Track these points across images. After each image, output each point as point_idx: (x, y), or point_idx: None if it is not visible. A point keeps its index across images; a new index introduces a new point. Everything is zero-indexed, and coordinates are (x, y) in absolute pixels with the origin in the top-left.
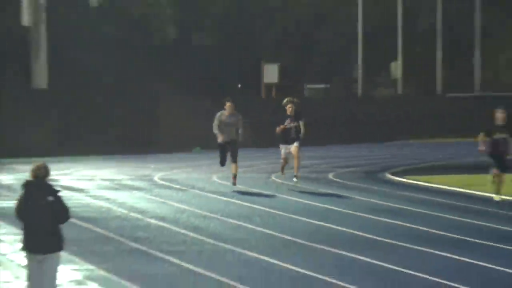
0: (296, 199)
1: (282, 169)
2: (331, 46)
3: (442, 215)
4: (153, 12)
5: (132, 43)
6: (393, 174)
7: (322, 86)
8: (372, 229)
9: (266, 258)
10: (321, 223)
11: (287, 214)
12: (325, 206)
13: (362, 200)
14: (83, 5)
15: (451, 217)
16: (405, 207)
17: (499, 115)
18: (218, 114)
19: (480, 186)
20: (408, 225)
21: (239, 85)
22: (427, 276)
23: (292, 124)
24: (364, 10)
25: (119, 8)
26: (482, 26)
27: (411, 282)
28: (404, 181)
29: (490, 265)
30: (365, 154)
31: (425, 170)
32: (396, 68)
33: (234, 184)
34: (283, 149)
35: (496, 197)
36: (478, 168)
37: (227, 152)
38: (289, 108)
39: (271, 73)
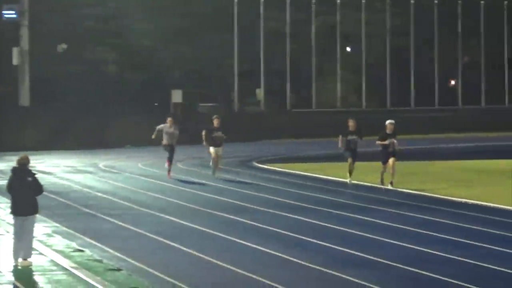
0: (195, 179)
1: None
2: (218, 77)
3: (290, 189)
4: (100, 56)
5: (88, 77)
6: (258, 162)
7: (211, 104)
8: (245, 199)
9: (178, 220)
10: (212, 195)
11: (190, 190)
12: (215, 184)
13: (238, 180)
14: (53, 50)
15: (295, 191)
16: (265, 184)
17: (350, 123)
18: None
19: (319, 171)
20: (266, 196)
21: (156, 104)
22: (279, 230)
23: (218, 134)
24: (239, 57)
25: (77, 52)
26: (316, 67)
27: (269, 233)
28: (266, 167)
29: (321, 223)
30: (241, 149)
31: (279, 160)
32: (260, 93)
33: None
34: (211, 150)
35: (348, 180)
36: (318, 159)
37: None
38: (215, 120)
39: (177, 96)
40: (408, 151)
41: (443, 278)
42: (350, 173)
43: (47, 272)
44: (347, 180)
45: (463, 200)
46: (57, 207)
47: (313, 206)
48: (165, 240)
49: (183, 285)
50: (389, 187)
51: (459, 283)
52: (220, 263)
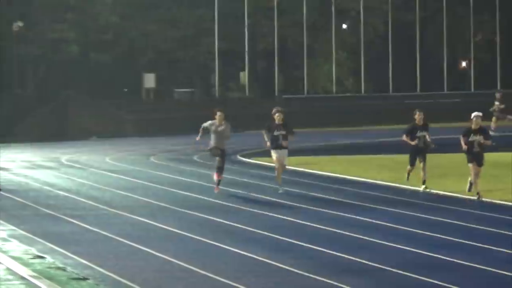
0: (169, 175)
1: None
2: (196, 60)
3: (276, 186)
4: (61, 36)
5: (47, 59)
6: (242, 156)
7: (188, 90)
8: (224, 197)
9: (146, 220)
10: (187, 193)
11: (162, 187)
12: (190, 180)
13: None
14: (7, 29)
15: (284, 187)
16: (249, 180)
17: (276, 117)
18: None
19: (313, 165)
20: (248, 193)
21: (125, 89)
22: (262, 232)
23: (280, 132)
24: (219, 35)
25: (34, 31)
26: (307, 46)
27: (250, 235)
28: (250, 161)
29: (311, 224)
30: None
31: (267, 152)
32: (244, 77)
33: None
34: (275, 156)
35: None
36: (312, 151)
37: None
38: (277, 117)
39: (149, 80)
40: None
41: (448, 285)
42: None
43: (2, 282)
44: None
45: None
46: (13, 208)
47: (302, 204)
48: (135, 244)
49: None
50: (478, 198)
51: None
52: (196, 270)
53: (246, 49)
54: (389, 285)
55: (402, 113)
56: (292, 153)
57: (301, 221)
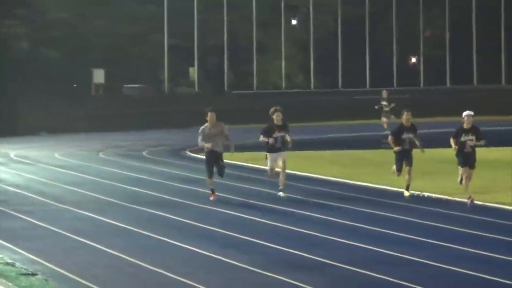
0: (118, 170)
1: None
2: (145, 55)
3: (226, 182)
4: (11, 32)
5: None
6: (191, 151)
7: (138, 85)
8: (173, 193)
9: (95, 215)
10: (135, 188)
11: (110, 182)
12: (139, 176)
13: (167, 171)
14: None
15: (233, 183)
16: (198, 177)
17: (276, 117)
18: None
19: (263, 161)
20: (197, 189)
21: (75, 85)
22: (212, 227)
23: (279, 134)
24: (169, 31)
25: None
26: (257, 42)
27: (200, 231)
28: (200, 157)
29: (262, 220)
30: (170, 137)
31: None
32: (194, 72)
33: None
34: (271, 160)
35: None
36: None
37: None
38: (276, 117)
39: (98, 76)
40: (364, 137)
41: (400, 282)
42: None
43: None
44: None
45: (424, 193)
46: None
47: (252, 200)
48: (84, 240)
49: None
50: (469, 202)
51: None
52: (146, 265)
53: (196, 45)
54: (341, 281)
55: (351, 109)
56: (244, 148)
57: (253, 217)
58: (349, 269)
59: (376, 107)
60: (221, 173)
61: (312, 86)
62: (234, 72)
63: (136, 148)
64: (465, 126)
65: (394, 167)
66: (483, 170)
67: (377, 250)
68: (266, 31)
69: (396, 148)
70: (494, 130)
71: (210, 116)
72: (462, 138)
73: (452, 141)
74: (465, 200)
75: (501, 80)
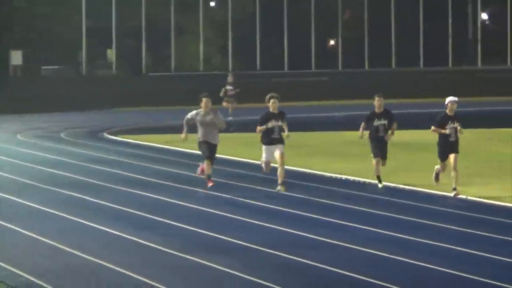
0: (35, 152)
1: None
2: (64, 37)
3: (144, 164)
4: None
5: None
6: (109, 133)
7: (56, 67)
8: (91, 175)
9: (15, 198)
10: (53, 170)
11: (28, 164)
12: (57, 157)
13: (85, 153)
14: None
15: (150, 165)
16: (117, 159)
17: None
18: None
19: (179, 143)
20: (116, 171)
21: None
22: (129, 209)
23: (276, 124)
24: (87, 13)
25: None
26: (175, 24)
27: (118, 213)
28: (118, 139)
29: (179, 202)
30: (89, 118)
31: (134, 130)
32: (112, 54)
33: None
34: (264, 152)
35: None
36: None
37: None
38: (272, 104)
39: (16, 58)
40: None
41: (317, 265)
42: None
43: None
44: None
45: (342, 175)
46: None
47: (169, 183)
48: (1, 222)
49: (22, 273)
50: (452, 194)
51: (336, 270)
52: (64, 247)
53: (114, 26)
54: (258, 263)
55: (269, 91)
56: (157, 131)
57: (169, 199)
58: (266, 251)
59: (221, 93)
60: (212, 159)
61: (230, 68)
62: (152, 54)
63: (54, 130)
64: (448, 112)
65: (372, 155)
66: (397, 152)
67: (295, 233)
68: (184, 13)
69: (361, 133)
70: (409, 113)
71: (204, 102)
72: (448, 127)
73: (435, 130)
74: (376, 183)
75: (419, 63)
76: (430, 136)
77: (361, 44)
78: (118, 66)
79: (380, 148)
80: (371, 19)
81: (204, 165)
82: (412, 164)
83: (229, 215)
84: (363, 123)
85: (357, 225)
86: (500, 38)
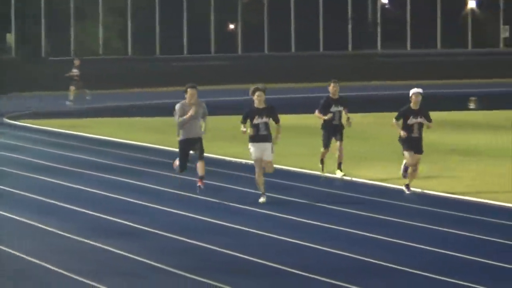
0: None
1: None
2: None
3: (45, 149)
4: None
5: None
6: (9, 118)
7: None
8: None
9: None
10: None
11: None
12: None
13: None
14: None
15: (51, 150)
16: (17, 143)
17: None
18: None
19: (81, 128)
20: (15, 155)
21: None
22: (30, 194)
23: (261, 120)
24: None
25: None
26: (75, 9)
27: (18, 198)
28: (18, 124)
29: (79, 186)
30: None
31: (34, 115)
32: (11, 38)
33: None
34: (252, 150)
35: None
36: (73, 114)
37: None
38: (257, 98)
39: None
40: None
41: (219, 249)
42: None
43: None
44: None
45: (241, 160)
46: None
47: (70, 167)
48: None
49: None
50: (407, 191)
51: (237, 254)
52: None
53: (13, 10)
54: (158, 247)
55: (169, 75)
56: (58, 115)
57: (68, 184)
58: (168, 236)
59: (67, 75)
60: (201, 155)
61: (129, 53)
62: (52, 38)
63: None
64: (412, 106)
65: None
66: (300, 138)
67: (199, 218)
68: None
69: (328, 116)
70: (308, 97)
71: (190, 93)
72: (409, 121)
73: (396, 125)
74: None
75: (319, 47)
76: (318, 120)
77: (261, 28)
78: (17, 50)
79: (336, 136)
80: (271, 3)
81: (177, 163)
82: (301, 148)
83: (132, 200)
84: (317, 111)
85: (266, 211)
86: (400, 22)
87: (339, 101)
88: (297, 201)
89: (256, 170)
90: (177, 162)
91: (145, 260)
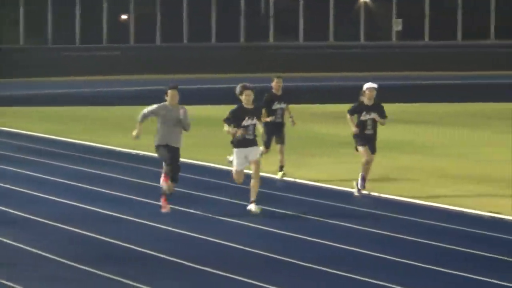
0: None
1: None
2: None
3: None
4: None
5: None
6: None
7: None
8: None
9: None
10: None
11: None
12: None
13: None
14: None
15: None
16: None
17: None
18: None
19: None
20: None
21: None
22: None
23: (251, 122)
24: None
25: None
26: None
27: None
28: None
29: None
30: None
31: None
32: None
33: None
34: (235, 158)
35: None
36: None
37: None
38: (245, 98)
39: None
40: (75, 94)
41: (106, 239)
42: None
43: None
44: None
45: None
46: None
47: None
48: None
49: None
50: (358, 192)
51: (124, 244)
52: None
53: None
54: (43, 235)
55: (60, 65)
56: None
57: None
58: (54, 224)
59: None
60: (175, 178)
61: (21, 42)
62: None
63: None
64: (366, 101)
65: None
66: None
67: (85, 207)
68: None
69: (269, 118)
70: (201, 88)
71: (171, 94)
72: (363, 117)
73: (349, 121)
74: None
75: (211, 39)
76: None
77: (153, 19)
78: None
79: (277, 136)
80: None
81: (163, 176)
82: (205, 140)
83: (17, 188)
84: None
85: (142, 199)
86: (292, 15)
87: (283, 98)
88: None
89: (236, 179)
90: (162, 179)
91: (29, 249)
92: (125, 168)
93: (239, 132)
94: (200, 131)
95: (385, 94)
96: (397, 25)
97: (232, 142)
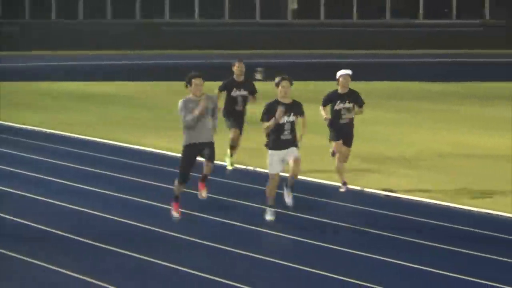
0: None
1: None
2: None
3: None
4: None
5: None
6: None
7: None
8: None
9: None
10: None
11: None
12: None
13: None
14: None
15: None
16: None
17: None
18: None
19: None
20: None
21: None
22: None
23: (287, 118)
24: None
25: None
26: None
27: None
28: None
29: None
30: None
31: None
32: None
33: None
34: (275, 161)
35: None
36: None
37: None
38: (282, 89)
39: None
40: None
41: (6, 217)
42: None
43: None
44: None
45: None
46: None
47: None
48: None
49: None
50: (342, 189)
51: (27, 222)
52: None
53: None
54: None
55: None
56: None
57: None
58: None
59: None
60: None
61: None
62: None
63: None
64: (339, 89)
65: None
66: (91, 105)
67: None
68: None
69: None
70: (114, 64)
71: (195, 83)
72: (337, 106)
73: (322, 111)
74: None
75: (106, 15)
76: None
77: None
78: None
79: (238, 122)
80: None
81: (177, 184)
82: (105, 117)
83: None
84: (217, 90)
85: (50, 178)
86: None
87: (244, 85)
88: (87, 170)
89: (270, 186)
90: (178, 185)
91: None
92: (17, 143)
93: (271, 122)
94: (100, 108)
95: (282, 72)
96: (292, 4)
97: (266, 145)
